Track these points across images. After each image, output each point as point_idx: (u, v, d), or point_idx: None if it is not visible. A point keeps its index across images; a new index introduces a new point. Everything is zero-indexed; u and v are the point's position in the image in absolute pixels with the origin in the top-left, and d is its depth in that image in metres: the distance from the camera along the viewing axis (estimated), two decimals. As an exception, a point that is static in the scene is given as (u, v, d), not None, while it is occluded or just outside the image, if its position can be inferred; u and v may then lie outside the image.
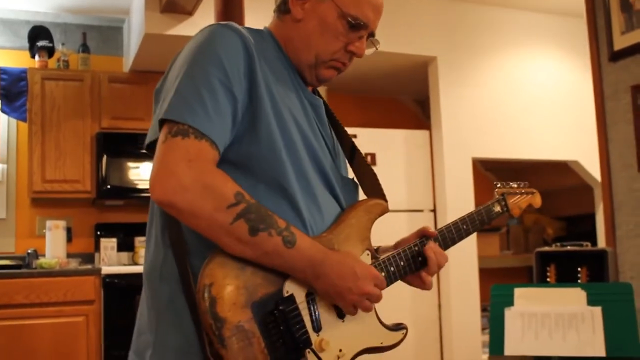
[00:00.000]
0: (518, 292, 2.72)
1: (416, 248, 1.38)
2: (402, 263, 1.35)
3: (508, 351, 2.55)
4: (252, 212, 1.09)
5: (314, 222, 1.26)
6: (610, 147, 3.42)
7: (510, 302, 2.69)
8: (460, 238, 1.48)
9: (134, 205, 4.87)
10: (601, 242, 4.62)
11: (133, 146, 4.57)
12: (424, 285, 1.39)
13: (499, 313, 2.66)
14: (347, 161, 1.49)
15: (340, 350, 1.22)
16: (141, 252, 4.41)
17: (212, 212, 1.06)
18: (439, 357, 4.61)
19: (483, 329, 4.63)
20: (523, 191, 1.71)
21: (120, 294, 4.15)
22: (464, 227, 1.50)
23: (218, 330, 1.05)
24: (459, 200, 4.58)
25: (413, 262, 1.37)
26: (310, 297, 1.19)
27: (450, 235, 1.45)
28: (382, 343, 1.31)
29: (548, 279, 3.08)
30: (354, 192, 1.43)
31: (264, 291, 1.13)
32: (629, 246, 3.30)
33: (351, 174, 1.48)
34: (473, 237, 4.33)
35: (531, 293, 2.71)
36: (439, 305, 4.68)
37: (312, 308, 1.19)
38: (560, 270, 3.07)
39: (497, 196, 1.65)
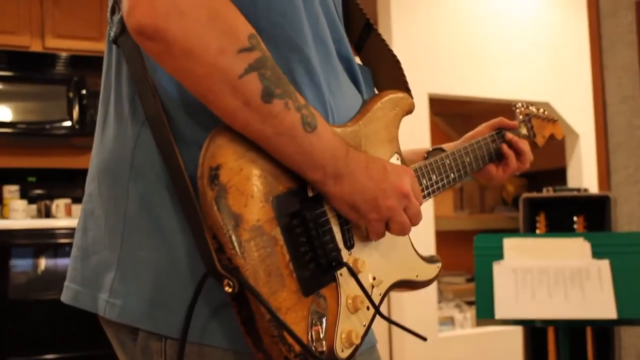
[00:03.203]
0: (508, 243, 2.64)
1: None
2: (434, 177, 1.25)
3: (500, 314, 2.46)
4: (268, 67, 0.89)
5: (335, 105, 1.08)
6: (606, 76, 3.39)
7: (499, 255, 2.61)
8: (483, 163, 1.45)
9: (1, 145, 4.51)
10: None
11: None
12: (491, 179, 1.43)
13: (486, 268, 2.57)
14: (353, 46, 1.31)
15: (374, 278, 1.07)
16: (12, 204, 4.09)
17: (216, 52, 0.84)
18: (386, 336, 4.54)
19: (439, 302, 4.60)
20: (545, 117, 1.69)
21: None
22: (494, 146, 1.46)
23: (232, 230, 0.86)
24: (414, 145, 4.48)
25: (457, 172, 1.32)
26: None
27: (480, 154, 1.42)
28: (417, 276, 1.19)
29: (537, 230, 3.04)
30: (370, 84, 1.28)
31: (287, 184, 0.95)
32: (628, 194, 3.29)
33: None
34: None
35: (524, 244, 2.64)
36: (386, 274, 4.60)
37: (341, 217, 1.02)
38: (552, 219, 3.03)
39: (520, 117, 1.61)
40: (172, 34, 0.83)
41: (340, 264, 0.98)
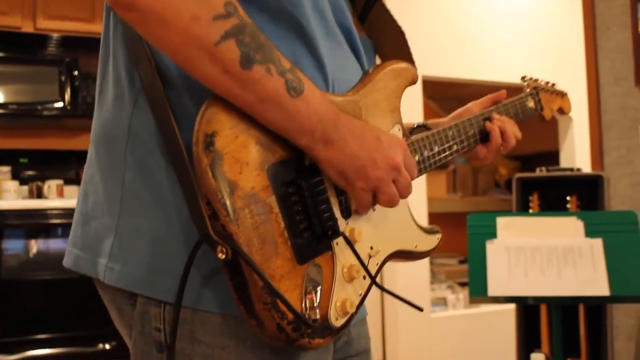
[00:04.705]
0: (501, 221, 2.64)
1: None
2: (436, 148, 1.23)
3: (492, 292, 2.46)
4: (247, 33, 0.88)
5: (336, 75, 1.07)
6: (600, 57, 3.38)
7: (492, 234, 2.61)
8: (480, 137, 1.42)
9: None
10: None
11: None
12: (477, 159, 1.37)
13: (479, 247, 2.57)
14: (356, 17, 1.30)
15: (372, 248, 1.06)
16: (4, 185, 4.06)
17: (190, 19, 0.84)
18: (379, 317, 4.55)
19: (432, 283, 4.60)
20: (554, 90, 1.67)
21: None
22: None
23: (226, 197, 0.85)
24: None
25: (460, 143, 1.30)
26: None
27: (478, 128, 1.38)
28: (416, 247, 1.18)
29: (530, 210, 3.03)
30: (371, 56, 1.27)
31: (283, 153, 0.94)
32: (620, 175, 3.29)
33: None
34: (423, 175, 4.24)
35: (517, 223, 2.64)
36: (379, 256, 4.60)
37: (339, 187, 1.01)
38: (545, 199, 3.03)
39: (528, 90, 1.59)
40: (146, 2, 0.83)
41: (336, 233, 0.97)
